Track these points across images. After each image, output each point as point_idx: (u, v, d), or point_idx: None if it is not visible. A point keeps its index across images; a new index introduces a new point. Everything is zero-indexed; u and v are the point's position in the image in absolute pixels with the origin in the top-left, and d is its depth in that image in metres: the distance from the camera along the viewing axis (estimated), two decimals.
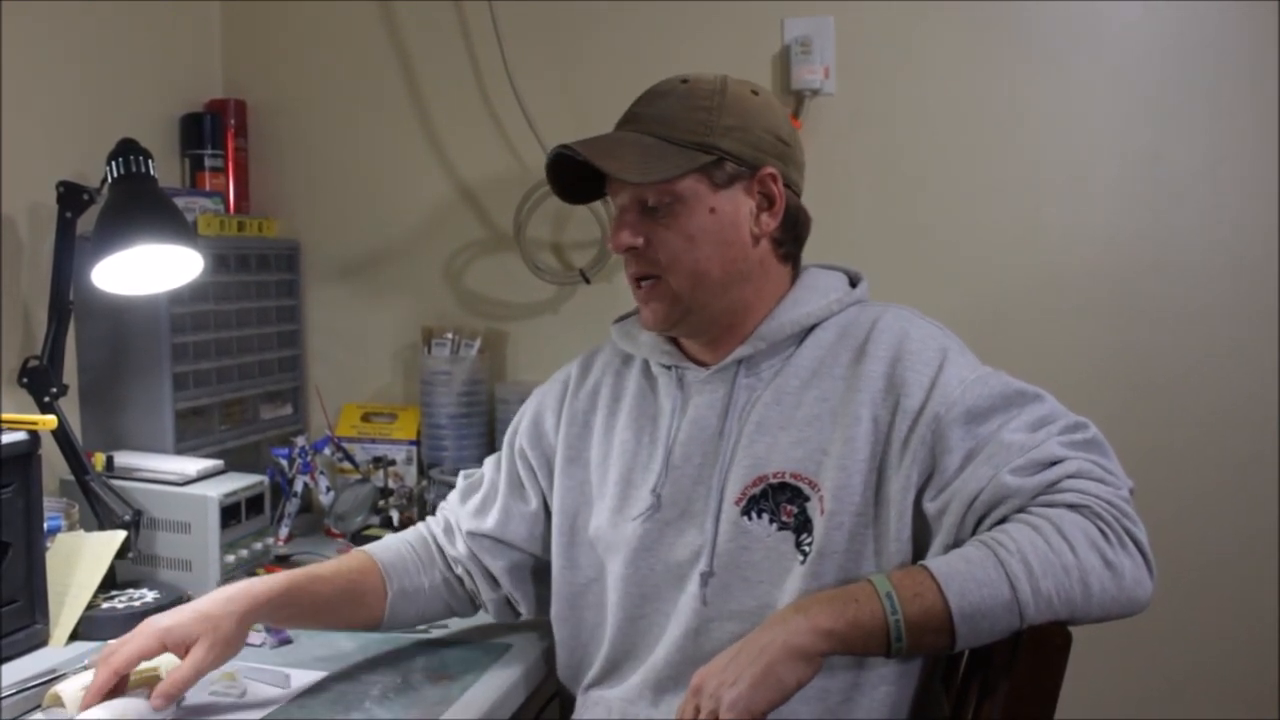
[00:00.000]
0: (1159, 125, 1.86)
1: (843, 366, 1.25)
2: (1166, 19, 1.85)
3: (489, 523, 1.44)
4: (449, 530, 1.47)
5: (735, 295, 1.29)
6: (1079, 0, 1.86)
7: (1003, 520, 1.12)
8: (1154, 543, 1.85)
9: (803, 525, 1.23)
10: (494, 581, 1.45)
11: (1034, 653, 1.10)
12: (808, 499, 1.23)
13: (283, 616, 1.33)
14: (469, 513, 1.47)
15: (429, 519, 1.52)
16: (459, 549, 1.45)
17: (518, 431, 1.48)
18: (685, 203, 1.25)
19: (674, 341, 1.37)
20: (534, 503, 1.45)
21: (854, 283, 1.36)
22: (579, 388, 1.44)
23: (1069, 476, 1.13)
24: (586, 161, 1.25)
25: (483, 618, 1.51)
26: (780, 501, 1.24)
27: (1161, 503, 1.89)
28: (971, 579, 1.05)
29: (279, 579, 1.31)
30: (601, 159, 1.24)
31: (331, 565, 1.41)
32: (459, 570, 1.45)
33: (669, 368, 1.36)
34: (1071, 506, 1.11)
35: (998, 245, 1.92)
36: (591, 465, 1.40)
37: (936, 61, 1.92)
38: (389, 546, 1.46)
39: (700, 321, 1.30)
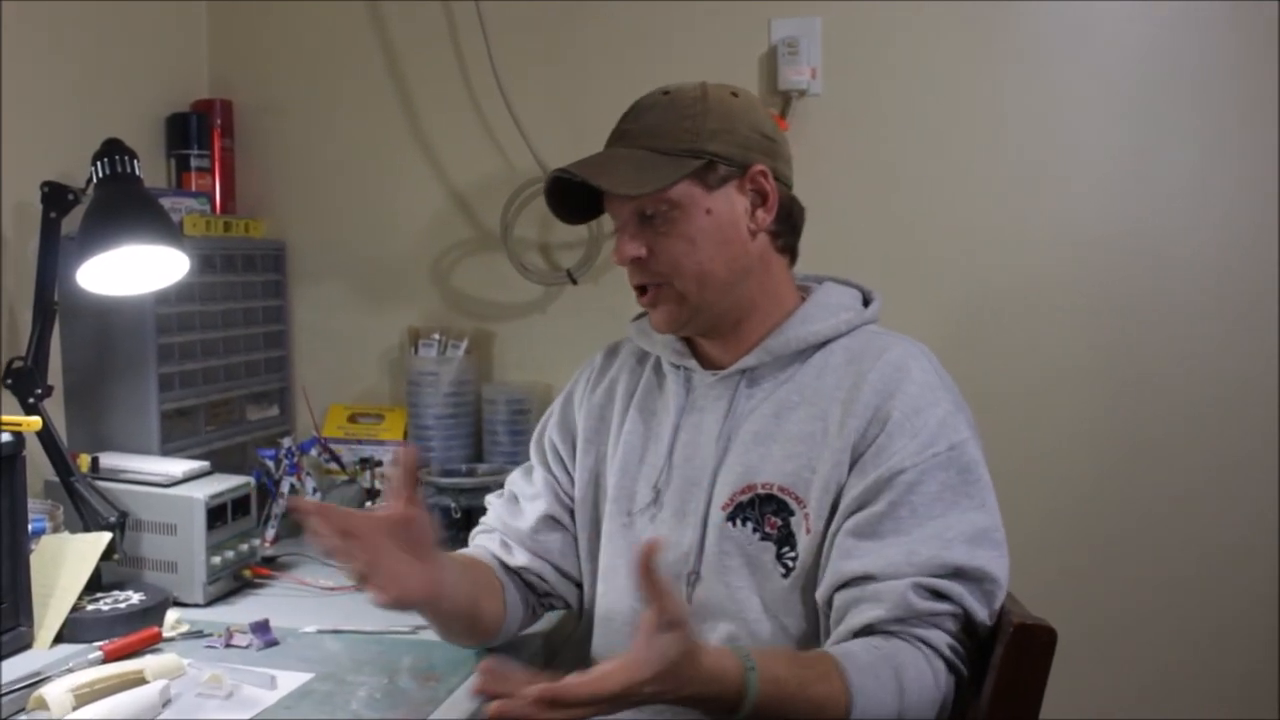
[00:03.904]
0: (1144, 125, 1.87)
1: (844, 390, 1.26)
2: (1152, 20, 1.85)
3: (540, 509, 1.43)
4: (505, 545, 1.44)
5: (741, 291, 1.32)
6: (1065, 1, 1.87)
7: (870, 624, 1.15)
8: (1140, 540, 1.89)
9: (785, 539, 1.25)
10: (562, 572, 1.44)
11: (1019, 650, 1.10)
12: (792, 514, 1.25)
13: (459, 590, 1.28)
14: (522, 518, 1.45)
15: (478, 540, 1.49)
16: (521, 558, 1.42)
17: (546, 430, 1.49)
18: (682, 208, 1.28)
19: (688, 341, 1.39)
20: (569, 484, 1.46)
21: (867, 301, 1.38)
22: (599, 381, 1.47)
23: (946, 615, 1.15)
24: (584, 181, 1.27)
25: None
26: (766, 512, 1.26)
27: (1148, 500, 1.91)
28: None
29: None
30: (597, 176, 1.27)
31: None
32: (530, 576, 1.43)
33: (678, 367, 1.38)
34: (941, 657, 1.14)
35: (984, 244, 1.93)
36: (606, 458, 1.42)
37: (923, 62, 1.93)
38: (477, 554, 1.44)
39: (709, 320, 1.32)
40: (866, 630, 1.15)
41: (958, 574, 1.15)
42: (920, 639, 1.14)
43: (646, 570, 0.99)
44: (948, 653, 1.14)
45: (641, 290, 1.33)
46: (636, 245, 1.30)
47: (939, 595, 1.14)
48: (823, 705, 1.08)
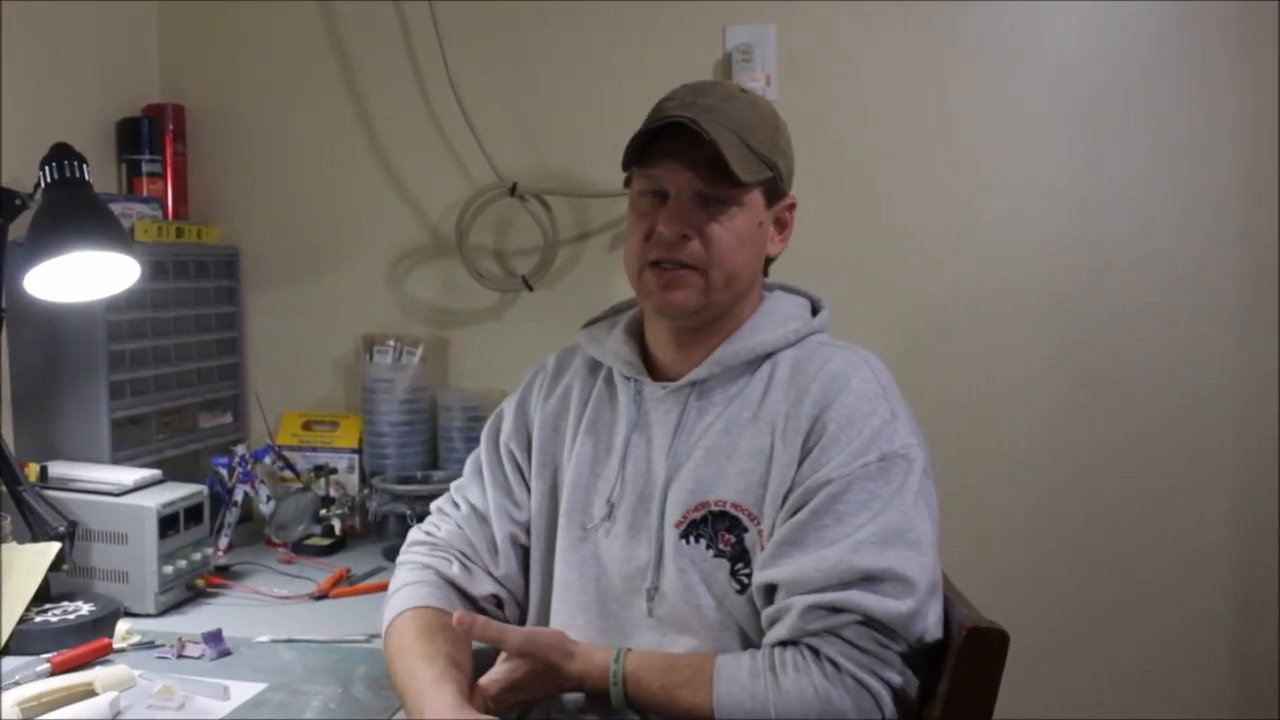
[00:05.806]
0: (1095, 132, 1.89)
1: (788, 404, 1.26)
2: (1103, 28, 1.88)
3: (504, 531, 1.40)
4: (466, 569, 1.38)
5: (739, 301, 1.33)
6: (1018, 2, 1.90)
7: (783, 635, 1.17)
8: (1099, 545, 1.91)
9: (739, 555, 1.25)
10: (515, 599, 1.41)
11: (971, 653, 1.11)
12: (746, 530, 1.24)
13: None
14: (492, 546, 1.40)
15: (424, 563, 1.39)
16: (486, 587, 1.38)
17: (501, 435, 1.45)
18: (745, 208, 1.29)
19: (639, 351, 1.37)
20: (526, 498, 1.43)
21: (816, 310, 1.38)
22: (552, 389, 1.45)
23: (844, 626, 1.15)
24: (695, 128, 1.22)
25: None
26: (719, 529, 1.26)
27: (1105, 505, 1.93)
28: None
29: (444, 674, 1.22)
30: (722, 142, 1.22)
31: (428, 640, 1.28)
32: (487, 604, 1.39)
33: (629, 379, 1.37)
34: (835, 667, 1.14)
35: (938, 250, 1.95)
36: (560, 469, 1.40)
37: (877, 69, 1.94)
38: (430, 601, 1.34)
39: (708, 317, 1.32)
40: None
41: (864, 579, 1.15)
42: (811, 649, 1.15)
43: (471, 634, 1.21)
44: (844, 661, 1.13)
45: (657, 266, 1.29)
46: (685, 225, 1.27)
47: (835, 610, 1.14)
48: (689, 711, 1.18)
